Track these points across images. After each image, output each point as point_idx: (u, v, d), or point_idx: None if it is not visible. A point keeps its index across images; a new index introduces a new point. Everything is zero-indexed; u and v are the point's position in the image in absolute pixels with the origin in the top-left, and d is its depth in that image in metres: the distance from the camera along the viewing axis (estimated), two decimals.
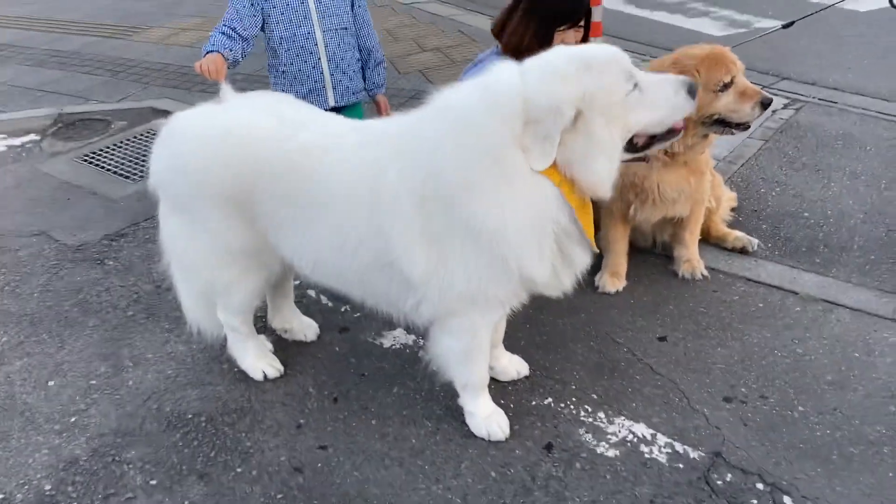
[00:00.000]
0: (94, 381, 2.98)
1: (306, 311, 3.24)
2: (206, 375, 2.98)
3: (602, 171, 2.06)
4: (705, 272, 3.28)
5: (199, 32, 7.43)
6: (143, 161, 4.82)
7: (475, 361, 2.48)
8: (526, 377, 2.83)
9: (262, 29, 3.12)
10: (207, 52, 2.95)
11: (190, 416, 2.78)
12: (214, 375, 2.98)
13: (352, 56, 3.24)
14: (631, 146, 2.18)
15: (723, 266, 3.36)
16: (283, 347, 3.08)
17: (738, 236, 3.44)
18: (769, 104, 2.92)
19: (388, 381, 2.88)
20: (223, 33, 2.99)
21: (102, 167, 4.82)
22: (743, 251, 3.41)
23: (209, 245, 2.52)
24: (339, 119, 2.52)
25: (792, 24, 3.46)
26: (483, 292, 2.23)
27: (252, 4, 3.04)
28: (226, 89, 2.56)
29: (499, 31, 3.00)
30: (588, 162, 2.04)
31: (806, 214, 3.71)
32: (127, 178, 4.65)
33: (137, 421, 2.77)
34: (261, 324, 3.13)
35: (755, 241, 3.42)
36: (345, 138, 2.34)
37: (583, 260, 2.26)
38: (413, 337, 3.10)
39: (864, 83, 5.15)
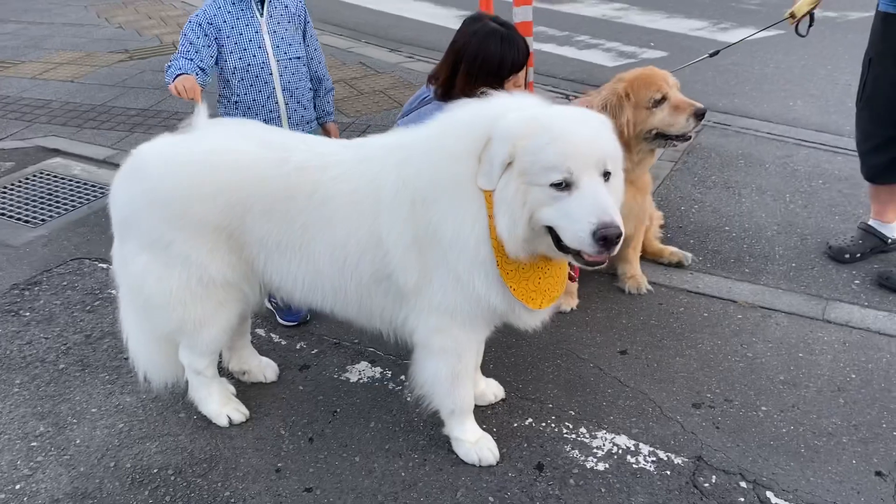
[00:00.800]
0: (34, 443, 2.72)
1: (259, 351, 3.11)
2: (163, 426, 2.79)
3: (502, 227, 2.03)
4: (649, 287, 3.44)
5: (76, 67, 7.02)
6: (41, 203, 4.48)
7: (462, 385, 2.48)
8: (503, 400, 2.85)
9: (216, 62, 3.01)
10: (177, 76, 2.80)
11: (155, 470, 2.58)
12: (172, 425, 2.79)
13: (305, 85, 3.20)
14: (557, 242, 2.04)
15: (663, 280, 3.54)
16: (243, 390, 2.94)
17: (673, 251, 3.64)
18: (703, 114, 3.10)
19: (363, 417, 2.81)
20: (186, 58, 2.87)
21: None
22: (679, 265, 3.61)
23: (186, 279, 2.40)
24: (320, 139, 2.51)
25: (717, 52, 3.73)
26: (458, 306, 2.25)
27: (206, 35, 2.93)
28: (200, 113, 2.46)
29: (442, 88, 3.00)
30: (496, 209, 2.04)
31: (727, 228, 3.98)
32: (26, 222, 4.30)
33: (95, 481, 2.54)
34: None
35: (689, 255, 3.63)
36: (341, 155, 2.33)
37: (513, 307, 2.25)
38: (380, 369, 3.04)
39: (750, 107, 5.61)
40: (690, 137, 3.16)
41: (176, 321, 2.51)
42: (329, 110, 3.39)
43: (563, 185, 1.93)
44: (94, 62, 7.15)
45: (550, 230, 2.01)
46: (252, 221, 2.33)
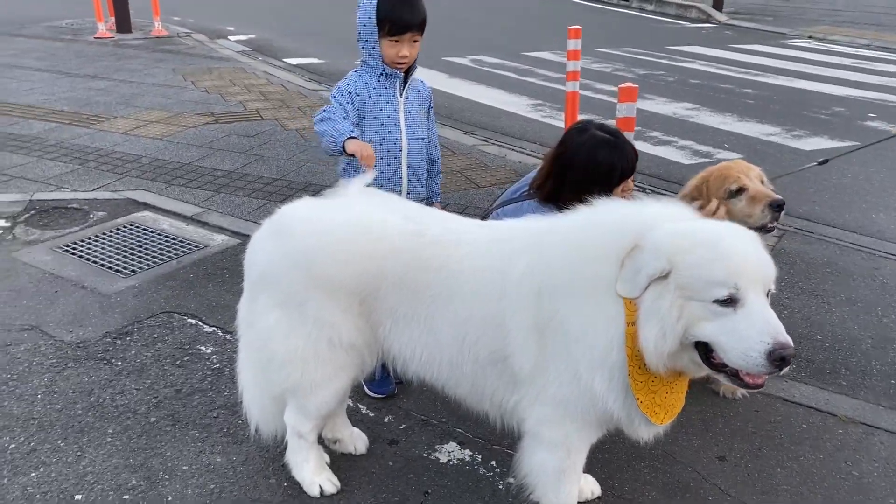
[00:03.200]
0: (127, 496, 2.71)
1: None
2: (254, 491, 2.76)
3: (648, 338, 1.99)
4: (744, 392, 3.37)
5: (164, 126, 7.31)
6: (132, 254, 4.60)
7: (569, 481, 2.43)
8: (598, 498, 2.77)
9: None
10: (350, 137, 2.86)
11: None
12: (262, 491, 2.77)
13: (424, 165, 3.30)
14: (706, 357, 2.01)
15: None
16: (334, 460, 2.91)
17: None
18: (780, 205, 3.08)
19: (455, 500, 2.75)
20: (344, 118, 2.97)
21: (87, 259, 4.56)
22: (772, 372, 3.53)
23: (315, 338, 2.45)
24: (455, 216, 2.58)
25: (826, 161, 3.75)
26: (572, 402, 2.23)
27: (352, 103, 3.07)
28: (360, 181, 2.59)
29: (546, 196, 3.07)
30: (642, 319, 2.01)
31: (818, 337, 3.91)
32: (117, 271, 4.40)
33: None
34: None
35: None
36: (474, 233, 2.40)
37: (635, 419, 2.20)
38: (469, 452, 3.00)
39: (832, 216, 5.58)
40: (771, 230, 3.15)
41: (294, 380, 2.54)
42: (437, 191, 3.48)
43: (728, 302, 1.91)
44: (182, 122, 7.44)
45: (698, 345, 2.00)
46: (385, 290, 2.39)
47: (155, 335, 3.76)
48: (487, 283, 2.29)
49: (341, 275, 2.39)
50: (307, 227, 2.44)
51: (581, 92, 8.97)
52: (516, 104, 8.71)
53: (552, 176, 3.06)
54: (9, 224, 5.04)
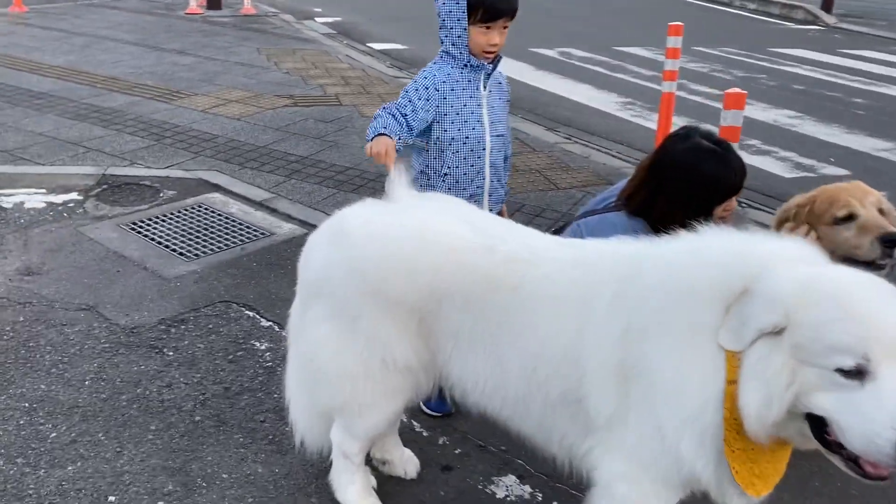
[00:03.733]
0: (161, 503, 2.55)
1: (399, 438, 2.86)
2: None
3: (750, 403, 1.67)
4: None
5: (244, 106, 7.24)
6: (197, 238, 4.49)
7: None
8: None
9: (428, 128, 2.87)
10: (377, 134, 2.63)
11: None
12: None
13: (502, 163, 3.03)
14: (819, 432, 1.69)
15: None
16: (381, 482, 2.68)
17: None
18: (892, 240, 2.65)
19: None
20: (392, 115, 2.72)
21: (152, 239, 4.47)
22: None
23: (366, 358, 2.22)
24: (533, 231, 2.28)
25: None
26: (653, 460, 1.92)
27: (428, 99, 2.80)
28: (397, 181, 2.31)
29: (636, 208, 2.75)
30: (744, 378, 1.69)
31: None
32: (181, 254, 4.30)
33: None
34: None
35: None
36: (554, 253, 2.10)
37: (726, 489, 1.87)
38: (529, 488, 2.72)
39: None
40: (882, 267, 2.72)
41: (342, 400, 2.32)
42: (507, 190, 3.20)
43: (855, 374, 1.56)
44: (261, 103, 7.36)
45: (810, 417, 1.66)
46: (449, 308, 2.13)
47: (210, 325, 3.62)
48: (566, 313, 2.00)
49: (400, 289, 2.15)
50: (366, 232, 2.19)
51: (675, 92, 8.52)
52: (605, 101, 8.30)
53: (645, 186, 2.73)
54: (81, 197, 5.02)
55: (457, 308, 2.12)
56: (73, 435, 2.85)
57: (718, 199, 2.62)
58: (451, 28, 2.77)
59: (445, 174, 2.90)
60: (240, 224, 4.74)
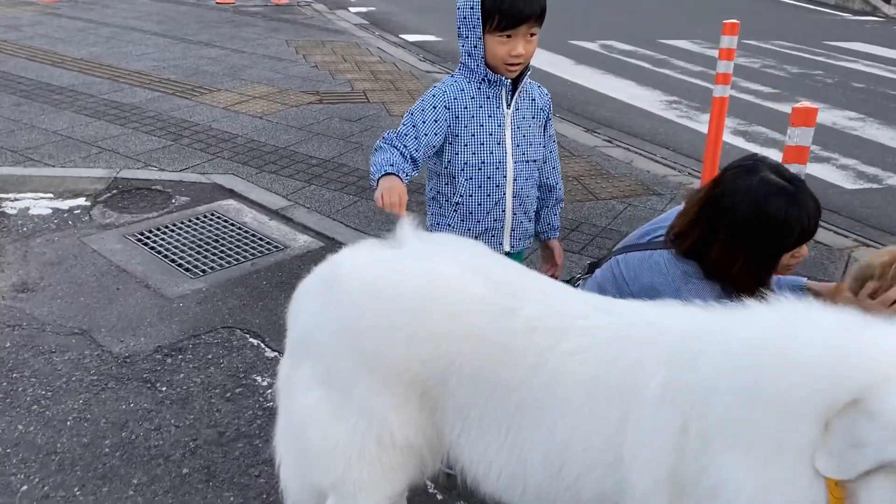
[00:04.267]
0: None
1: (410, 500, 2.50)
2: None
3: None
4: None
5: (267, 102, 6.93)
6: (205, 251, 4.18)
7: None
8: None
9: (441, 149, 2.48)
10: (385, 174, 2.22)
11: None
12: None
13: (534, 194, 2.61)
14: None
15: None
16: None
17: None
18: None
19: None
20: (397, 149, 2.31)
21: (159, 252, 4.17)
22: None
23: (360, 434, 1.85)
24: (562, 287, 1.88)
25: None
26: None
27: (436, 120, 2.39)
28: (406, 228, 1.95)
29: (688, 249, 2.32)
30: None
31: None
32: (186, 270, 3.99)
33: None
34: None
35: None
36: (588, 320, 1.70)
37: None
38: None
39: None
40: None
41: (333, 478, 1.95)
42: (555, 224, 2.77)
43: None
44: (285, 100, 7.04)
45: None
46: (456, 383, 1.74)
47: (210, 356, 3.30)
48: (602, 401, 1.61)
49: (400, 356, 1.77)
50: (361, 286, 1.83)
51: (728, 96, 7.99)
52: (648, 99, 7.82)
53: (699, 224, 2.29)
54: (88, 203, 4.74)
55: (466, 383, 1.74)
56: (45, 488, 2.55)
57: (788, 246, 2.20)
58: (467, 37, 2.35)
59: (457, 203, 2.49)
60: (252, 235, 4.42)
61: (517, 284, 1.80)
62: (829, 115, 7.39)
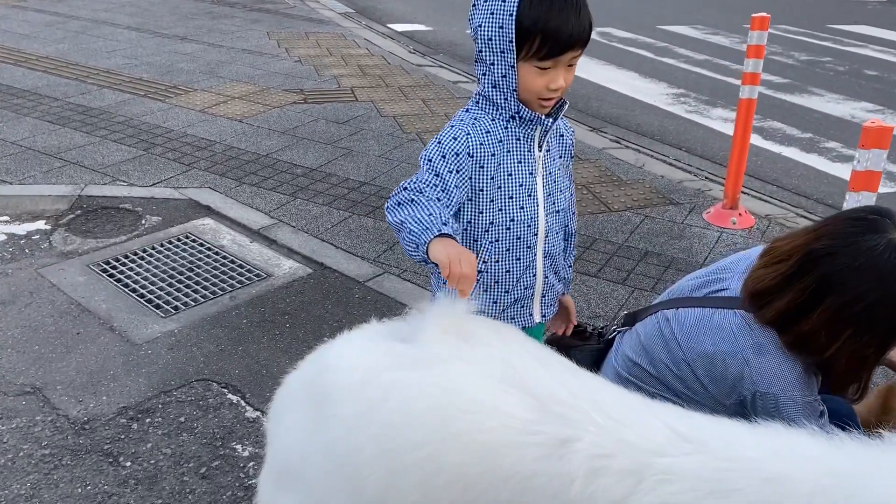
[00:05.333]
0: None
1: None
2: None
3: None
4: None
5: (247, 104, 6.43)
6: (178, 283, 3.72)
7: None
8: None
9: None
10: (440, 234, 1.65)
11: None
12: None
13: (561, 247, 2.13)
14: None
15: None
16: None
17: None
18: None
19: None
20: (440, 201, 1.79)
21: (126, 285, 3.71)
22: None
23: None
24: (624, 397, 1.42)
25: None
26: None
27: (458, 171, 1.85)
28: (432, 310, 1.51)
29: (775, 320, 1.87)
30: None
31: None
32: (156, 307, 3.53)
33: None
34: None
35: None
36: (671, 459, 1.24)
37: None
38: None
39: None
40: None
41: None
42: (569, 276, 2.28)
43: None
44: (267, 100, 6.55)
45: None
46: None
47: (182, 418, 2.85)
48: None
49: (406, 499, 1.34)
50: (357, 408, 1.39)
51: (721, 78, 7.57)
52: (653, 93, 7.37)
53: (796, 286, 1.79)
54: (49, 227, 4.26)
55: None
56: None
57: None
58: (492, 64, 1.82)
59: (480, 272, 1.97)
60: (231, 262, 3.96)
61: (566, 399, 1.34)
62: (846, 108, 6.97)
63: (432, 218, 1.68)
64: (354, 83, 7.17)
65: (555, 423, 1.30)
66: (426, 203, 1.74)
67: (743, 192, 4.64)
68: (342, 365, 1.48)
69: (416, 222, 1.68)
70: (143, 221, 4.36)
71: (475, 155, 1.87)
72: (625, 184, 5.08)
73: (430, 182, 1.80)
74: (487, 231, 1.93)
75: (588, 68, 8.10)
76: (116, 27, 9.13)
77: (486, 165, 1.89)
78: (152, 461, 2.65)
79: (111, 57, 7.74)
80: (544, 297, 2.08)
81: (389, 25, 10.05)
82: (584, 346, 2.35)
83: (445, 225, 1.67)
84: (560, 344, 2.42)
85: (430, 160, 1.84)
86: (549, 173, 1.99)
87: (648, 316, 2.19)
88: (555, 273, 2.09)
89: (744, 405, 1.89)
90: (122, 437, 2.76)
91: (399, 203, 1.78)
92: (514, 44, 1.75)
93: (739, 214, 4.44)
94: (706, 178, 5.24)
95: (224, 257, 4.01)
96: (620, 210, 4.68)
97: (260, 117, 6.13)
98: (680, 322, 2.05)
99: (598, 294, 3.76)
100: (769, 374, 1.84)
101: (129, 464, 2.63)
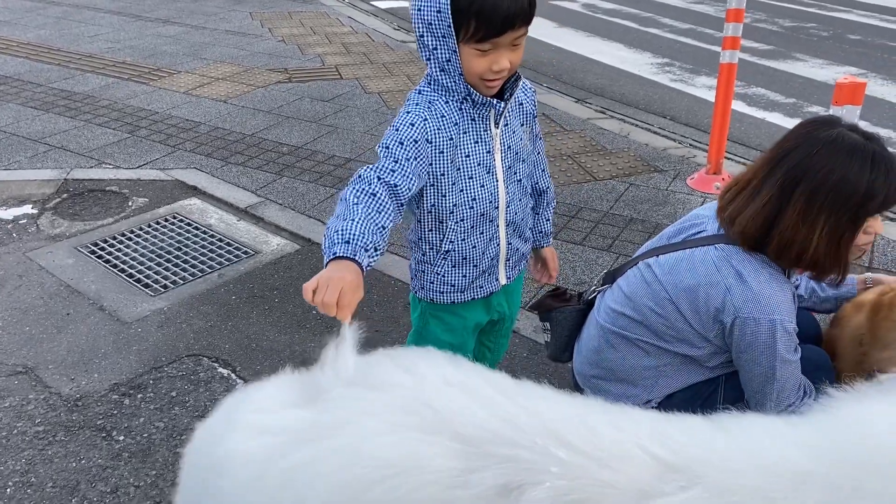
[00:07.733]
0: None
1: None
2: None
3: None
4: None
5: (232, 84, 6.42)
6: (167, 262, 3.74)
7: None
8: None
9: (419, 192, 1.98)
10: (334, 257, 1.57)
11: None
12: None
13: (528, 210, 2.15)
14: None
15: None
16: None
17: None
18: None
19: None
20: (373, 196, 1.70)
21: (114, 265, 3.73)
22: None
23: None
24: (590, 419, 1.17)
25: None
26: None
27: (417, 157, 1.82)
28: (337, 353, 1.33)
29: (751, 227, 1.94)
30: None
31: None
32: (145, 286, 3.56)
33: None
34: None
35: None
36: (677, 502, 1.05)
37: None
38: None
39: None
40: None
41: None
42: (548, 230, 2.33)
43: None
44: (251, 80, 6.53)
45: None
46: None
47: (174, 393, 2.89)
48: None
49: None
50: (249, 487, 1.21)
51: (705, 47, 7.58)
52: (638, 63, 7.38)
53: (770, 185, 1.89)
54: (35, 211, 4.28)
55: None
56: None
57: (871, 212, 1.88)
58: (435, 49, 1.76)
59: (448, 251, 2.00)
60: (219, 240, 3.98)
61: (510, 435, 1.11)
62: (829, 72, 7.00)
63: (342, 233, 1.60)
64: (339, 61, 7.15)
65: (497, 468, 1.08)
66: (353, 208, 1.66)
67: (727, 158, 4.67)
68: (233, 432, 1.29)
69: (336, 232, 1.61)
70: (130, 203, 4.37)
71: (433, 140, 1.85)
72: (610, 153, 5.11)
73: (389, 168, 1.76)
74: (452, 213, 1.93)
75: (573, 40, 8.09)
76: (98, 11, 9.06)
77: (444, 150, 1.87)
78: (145, 434, 2.69)
79: (93, 41, 7.70)
80: (508, 260, 2.11)
81: (373, 3, 10.00)
82: (566, 306, 2.39)
83: (349, 244, 1.58)
84: (542, 307, 2.48)
85: (387, 147, 1.81)
86: (509, 147, 1.98)
87: (629, 269, 2.23)
88: (519, 236, 2.11)
89: (724, 335, 1.98)
90: (115, 412, 2.79)
91: (344, 199, 1.70)
92: (452, 27, 1.69)
93: (723, 179, 4.48)
94: (690, 145, 5.27)
95: (212, 236, 4.03)
96: (605, 179, 4.71)
97: (244, 97, 6.12)
98: (661, 265, 2.10)
99: (584, 261, 3.80)
100: (751, 299, 1.91)
101: (122, 437, 2.68)
